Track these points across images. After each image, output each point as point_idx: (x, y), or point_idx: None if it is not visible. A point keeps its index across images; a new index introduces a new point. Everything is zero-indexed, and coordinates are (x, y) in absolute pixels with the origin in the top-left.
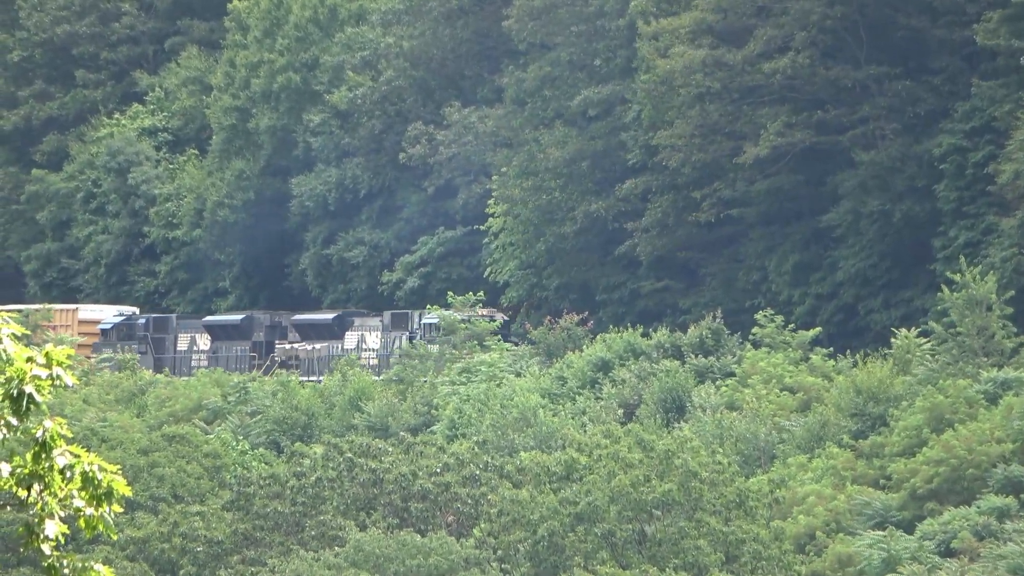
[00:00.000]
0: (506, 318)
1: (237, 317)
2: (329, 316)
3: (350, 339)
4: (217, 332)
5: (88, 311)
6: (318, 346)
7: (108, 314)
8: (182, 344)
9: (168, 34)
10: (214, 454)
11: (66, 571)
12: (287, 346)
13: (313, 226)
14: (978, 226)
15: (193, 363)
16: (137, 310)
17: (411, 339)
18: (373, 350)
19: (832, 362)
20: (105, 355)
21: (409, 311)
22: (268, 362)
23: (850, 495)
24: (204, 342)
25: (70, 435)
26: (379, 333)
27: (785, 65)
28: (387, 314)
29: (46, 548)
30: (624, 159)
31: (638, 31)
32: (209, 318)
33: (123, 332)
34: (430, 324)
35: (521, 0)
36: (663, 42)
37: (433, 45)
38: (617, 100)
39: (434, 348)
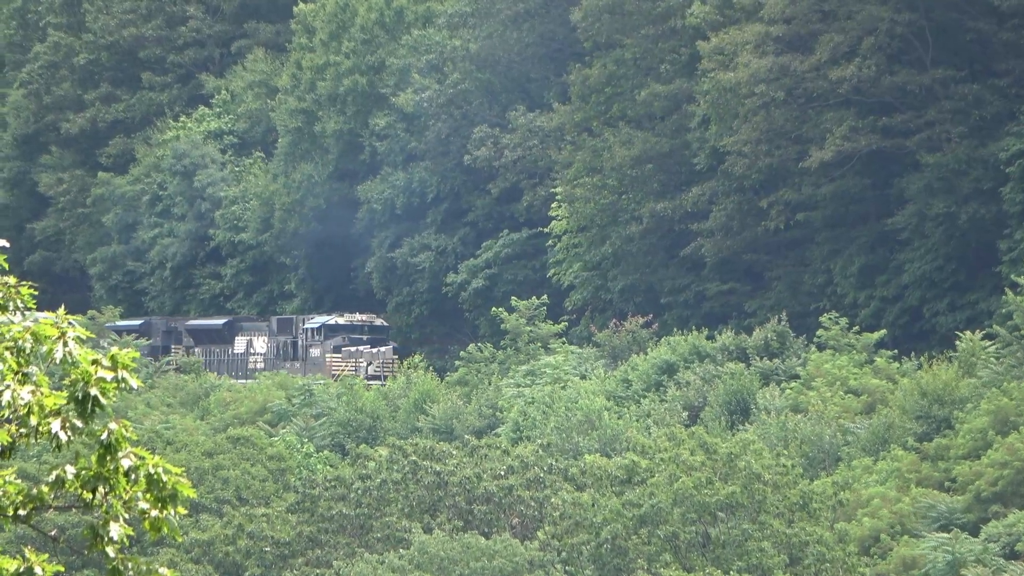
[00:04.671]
0: (385, 323)
1: (136, 322)
2: (220, 322)
3: (239, 343)
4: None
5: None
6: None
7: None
8: None
9: (234, 37)
10: (279, 456)
11: (131, 573)
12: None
13: (379, 231)
14: None
15: None
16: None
17: (295, 343)
18: (260, 354)
19: (897, 364)
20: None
21: (294, 316)
22: (163, 365)
23: (915, 497)
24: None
25: (135, 437)
26: (266, 337)
27: (852, 73)
28: (274, 320)
29: (111, 550)
30: (689, 160)
31: (698, 48)
32: (110, 323)
33: None
34: (312, 329)
35: (589, 0)
36: (727, 55)
37: (499, 48)
38: (683, 98)
39: (315, 351)
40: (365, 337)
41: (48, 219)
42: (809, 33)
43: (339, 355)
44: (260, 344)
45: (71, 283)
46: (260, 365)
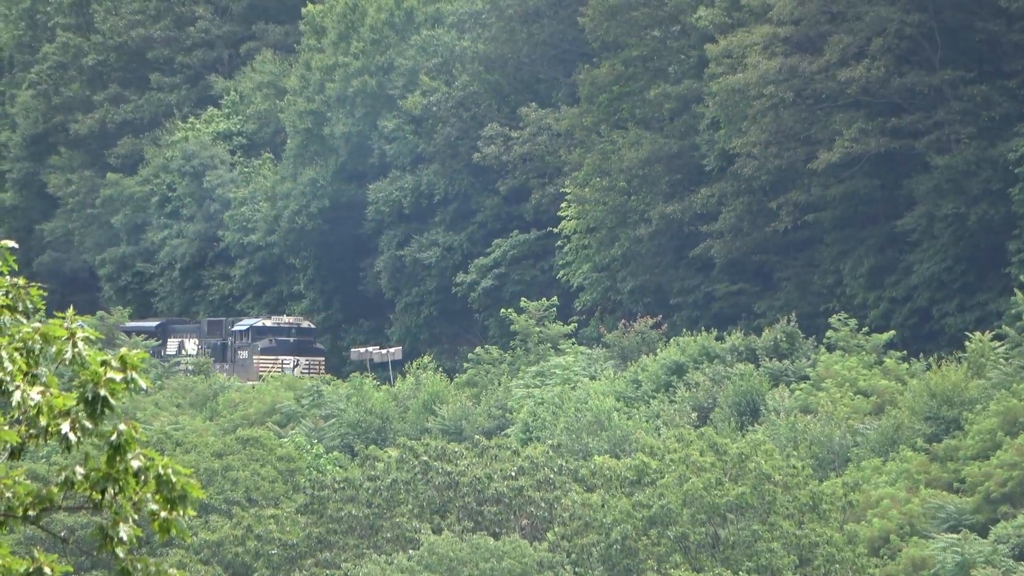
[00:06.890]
0: (312, 326)
1: None
2: (152, 324)
3: (171, 345)
4: None
5: None
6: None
7: None
8: None
9: (243, 38)
10: (288, 457)
11: (140, 574)
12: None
13: (388, 230)
14: None
15: None
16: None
17: (223, 345)
18: (191, 355)
19: (906, 365)
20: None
21: (223, 319)
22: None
23: (924, 498)
24: None
25: (144, 438)
26: (197, 339)
27: (860, 74)
28: (204, 322)
29: (120, 551)
30: (698, 162)
31: (707, 52)
32: None
33: None
34: (241, 331)
35: (596, 0)
36: (735, 58)
37: (508, 48)
38: (692, 98)
39: (243, 354)
40: (292, 339)
41: (57, 220)
42: (818, 34)
43: (267, 357)
44: (191, 346)
45: (80, 284)
46: (191, 367)
